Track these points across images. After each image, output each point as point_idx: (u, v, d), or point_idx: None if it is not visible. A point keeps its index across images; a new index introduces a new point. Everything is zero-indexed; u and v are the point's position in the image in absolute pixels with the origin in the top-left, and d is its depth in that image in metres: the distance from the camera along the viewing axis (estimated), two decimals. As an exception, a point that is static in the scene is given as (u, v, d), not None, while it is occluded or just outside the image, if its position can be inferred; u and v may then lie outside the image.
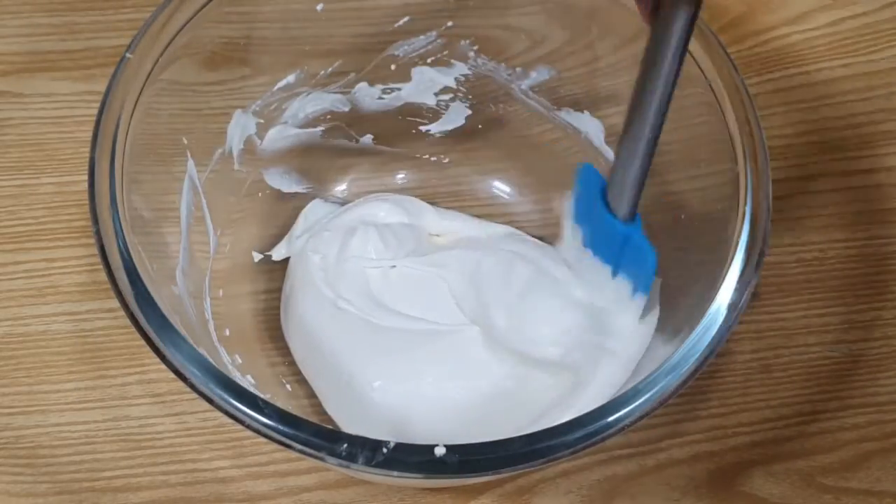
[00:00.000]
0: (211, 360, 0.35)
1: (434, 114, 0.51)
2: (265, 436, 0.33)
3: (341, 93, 0.48)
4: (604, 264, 0.42)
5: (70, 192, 0.51)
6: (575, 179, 0.41)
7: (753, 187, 0.38)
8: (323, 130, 0.50)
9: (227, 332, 0.44)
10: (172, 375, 0.34)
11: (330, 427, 0.33)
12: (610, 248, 0.41)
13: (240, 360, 0.43)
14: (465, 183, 0.52)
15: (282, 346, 0.46)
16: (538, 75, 0.49)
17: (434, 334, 0.45)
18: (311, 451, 0.33)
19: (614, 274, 0.41)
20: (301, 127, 0.49)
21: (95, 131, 0.38)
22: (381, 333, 0.45)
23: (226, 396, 0.33)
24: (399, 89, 0.49)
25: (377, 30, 0.47)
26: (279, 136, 0.48)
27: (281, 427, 0.33)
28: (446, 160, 0.52)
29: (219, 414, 0.34)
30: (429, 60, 0.48)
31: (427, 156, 0.52)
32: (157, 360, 0.34)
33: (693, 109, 0.42)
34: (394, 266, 0.47)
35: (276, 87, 0.47)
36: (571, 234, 0.43)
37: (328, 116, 0.49)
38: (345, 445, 0.32)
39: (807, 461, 0.46)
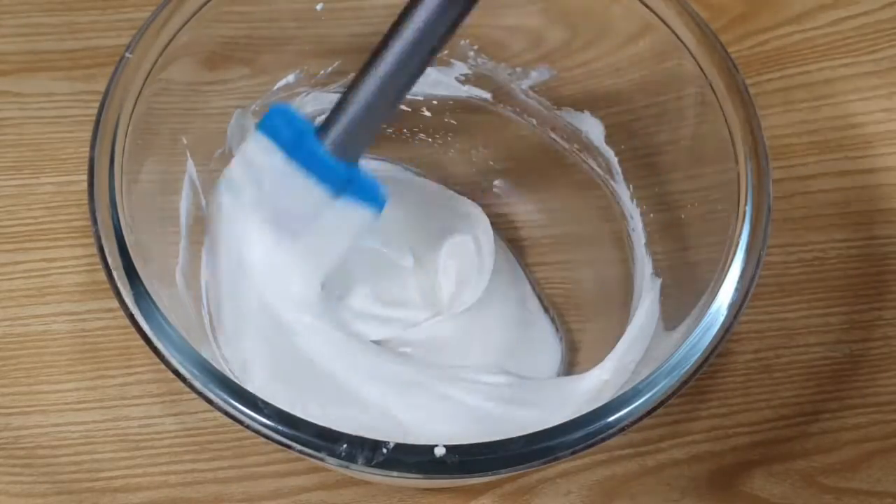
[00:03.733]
0: (210, 360, 0.35)
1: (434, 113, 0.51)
2: (265, 436, 0.33)
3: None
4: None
5: (70, 192, 0.50)
6: (266, 117, 0.40)
7: (753, 187, 0.38)
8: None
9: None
10: (172, 375, 0.34)
11: (330, 427, 0.33)
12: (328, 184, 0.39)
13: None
14: (465, 183, 0.52)
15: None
16: (538, 75, 0.49)
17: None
18: (311, 452, 0.33)
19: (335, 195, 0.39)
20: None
21: (95, 131, 0.38)
22: None
23: (225, 396, 0.33)
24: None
25: (377, 30, 0.47)
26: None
27: (281, 427, 0.33)
28: (446, 160, 0.52)
29: (218, 414, 0.34)
30: (428, 60, 0.48)
31: (426, 155, 0.52)
32: (157, 360, 0.34)
33: (693, 109, 0.42)
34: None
35: (276, 87, 0.47)
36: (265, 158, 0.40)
37: (328, 116, 0.49)
38: (344, 446, 0.32)
39: (807, 461, 0.46)
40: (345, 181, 0.39)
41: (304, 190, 0.39)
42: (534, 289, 0.49)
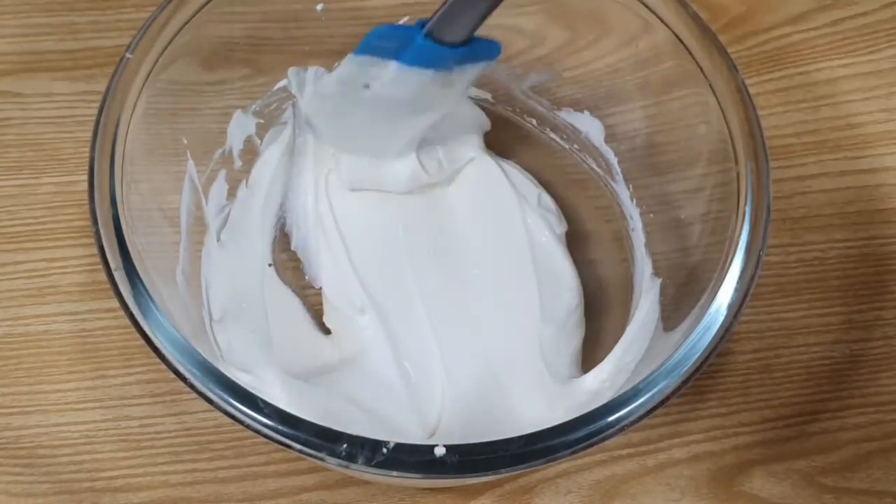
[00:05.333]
0: (211, 360, 0.35)
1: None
2: (265, 436, 0.33)
3: None
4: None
5: (70, 192, 0.51)
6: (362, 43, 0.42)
7: (753, 187, 0.38)
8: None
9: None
10: (172, 375, 0.34)
11: (330, 427, 0.33)
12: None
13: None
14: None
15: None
16: (538, 75, 0.49)
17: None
18: (311, 451, 0.33)
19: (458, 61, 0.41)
20: (301, 127, 0.49)
21: (95, 131, 0.38)
22: None
23: (226, 396, 0.33)
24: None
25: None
26: (279, 135, 0.48)
27: (281, 427, 0.33)
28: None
29: (219, 414, 0.34)
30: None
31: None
32: (157, 360, 0.34)
33: (693, 109, 0.42)
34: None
35: (276, 87, 0.48)
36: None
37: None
38: (345, 445, 0.32)
39: (807, 461, 0.46)
40: (457, 54, 0.40)
41: (421, 83, 0.41)
42: None
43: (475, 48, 0.41)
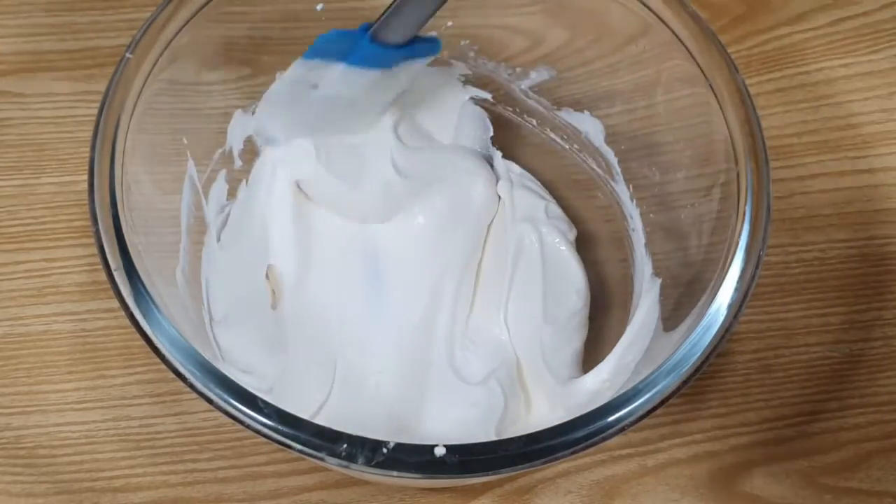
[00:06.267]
0: (211, 360, 0.35)
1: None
2: (265, 436, 0.33)
3: None
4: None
5: (70, 192, 0.51)
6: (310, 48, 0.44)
7: (753, 187, 0.38)
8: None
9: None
10: (172, 375, 0.34)
11: (330, 427, 0.33)
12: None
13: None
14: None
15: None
16: (538, 75, 0.49)
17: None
18: (311, 451, 0.33)
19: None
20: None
21: (95, 131, 0.38)
22: None
23: (226, 396, 0.33)
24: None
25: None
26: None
27: (281, 427, 0.33)
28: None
29: (219, 414, 0.34)
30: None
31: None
32: (157, 360, 0.34)
33: (693, 109, 0.42)
34: None
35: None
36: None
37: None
38: (345, 445, 0.32)
39: (807, 461, 0.46)
40: (401, 54, 0.43)
41: (367, 80, 0.43)
42: None
43: (416, 48, 0.43)
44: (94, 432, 0.45)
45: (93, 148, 0.37)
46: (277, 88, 0.45)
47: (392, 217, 0.47)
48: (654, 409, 0.34)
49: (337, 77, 0.43)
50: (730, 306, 0.36)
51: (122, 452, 0.45)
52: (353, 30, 0.43)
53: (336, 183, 0.46)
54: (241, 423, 0.33)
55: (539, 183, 0.49)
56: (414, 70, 0.45)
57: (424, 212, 0.47)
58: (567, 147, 0.50)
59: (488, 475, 0.37)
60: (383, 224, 0.47)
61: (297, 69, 0.44)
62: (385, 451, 0.32)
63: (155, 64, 0.40)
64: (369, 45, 0.42)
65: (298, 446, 0.33)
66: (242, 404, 0.33)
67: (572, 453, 0.33)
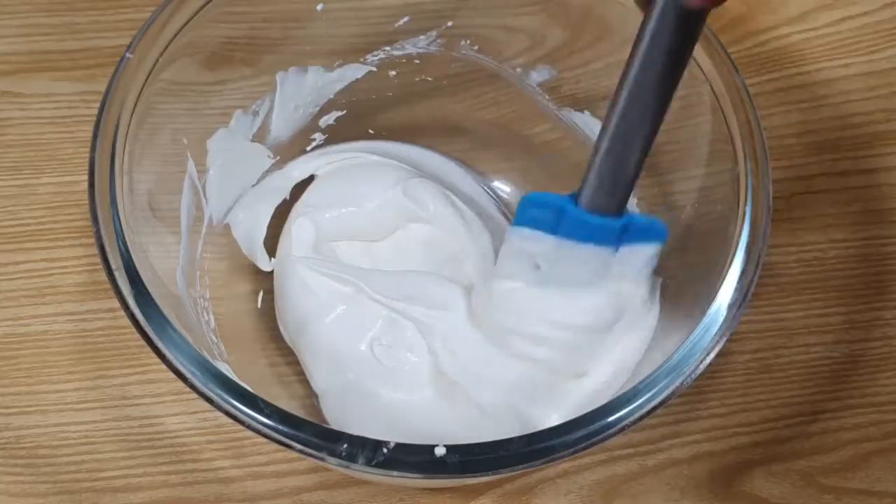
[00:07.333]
0: (210, 359, 0.35)
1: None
2: (265, 436, 0.33)
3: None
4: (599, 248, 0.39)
5: (70, 192, 0.51)
6: (519, 210, 0.40)
7: (753, 187, 0.38)
8: (323, 130, 0.50)
9: (227, 333, 0.44)
10: (172, 375, 0.34)
11: (330, 427, 0.33)
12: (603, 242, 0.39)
13: (240, 360, 0.43)
14: (465, 183, 0.52)
15: (282, 346, 0.46)
16: (538, 75, 0.49)
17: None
18: (311, 451, 0.33)
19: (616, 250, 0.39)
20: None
21: (95, 131, 0.38)
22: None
23: (226, 396, 0.33)
24: (399, 89, 0.49)
25: (377, 30, 0.47)
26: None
27: (281, 427, 0.33)
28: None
29: (219, 414, 0.34)
30: (429, 60, 0.49)
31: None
32: (157, 360, 0.34)
33: (693, 109, 0.42)
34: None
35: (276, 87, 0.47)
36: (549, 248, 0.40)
37: (328, 116, 0.50)
38: (345, 445, 0.32)
39: (807, 461, 0.46)
40: (619, 232, 0.38)
41: (584, 258, 0.39)
42: None
43: (635, 226, 0.38)
44: (93, 432, 0.45)
45: (93, 148, 0.37)
46: (502, 271, 0.41)
47: None
48: (654, 409, 0.34)
49: (550, 251, 0.39)
50: (730, 306, 0.36)
51: (122, 452, 0.45)
52: (563, 195, 0.39)
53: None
54: (241, 423, 0.33)
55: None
56: (641, 262, 0.39)
57: None
58: (567, 147, 0.50)
59: (488, 475, 0.37)
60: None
61: (514, 240, 0.40)
62: (385, 451, 0.32)
63: (155, 64, 0.40)
64: (576, 211, 0.38)
65: (299, 446, 0.33)
66: (242, 404, 0.33)
67: (572, 453, 0.33)
